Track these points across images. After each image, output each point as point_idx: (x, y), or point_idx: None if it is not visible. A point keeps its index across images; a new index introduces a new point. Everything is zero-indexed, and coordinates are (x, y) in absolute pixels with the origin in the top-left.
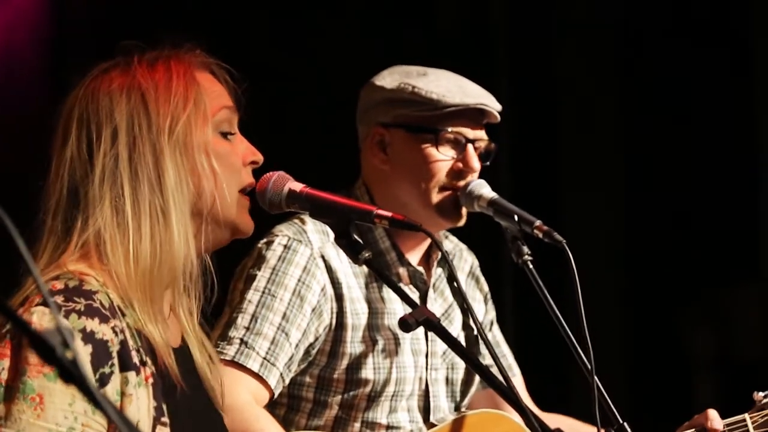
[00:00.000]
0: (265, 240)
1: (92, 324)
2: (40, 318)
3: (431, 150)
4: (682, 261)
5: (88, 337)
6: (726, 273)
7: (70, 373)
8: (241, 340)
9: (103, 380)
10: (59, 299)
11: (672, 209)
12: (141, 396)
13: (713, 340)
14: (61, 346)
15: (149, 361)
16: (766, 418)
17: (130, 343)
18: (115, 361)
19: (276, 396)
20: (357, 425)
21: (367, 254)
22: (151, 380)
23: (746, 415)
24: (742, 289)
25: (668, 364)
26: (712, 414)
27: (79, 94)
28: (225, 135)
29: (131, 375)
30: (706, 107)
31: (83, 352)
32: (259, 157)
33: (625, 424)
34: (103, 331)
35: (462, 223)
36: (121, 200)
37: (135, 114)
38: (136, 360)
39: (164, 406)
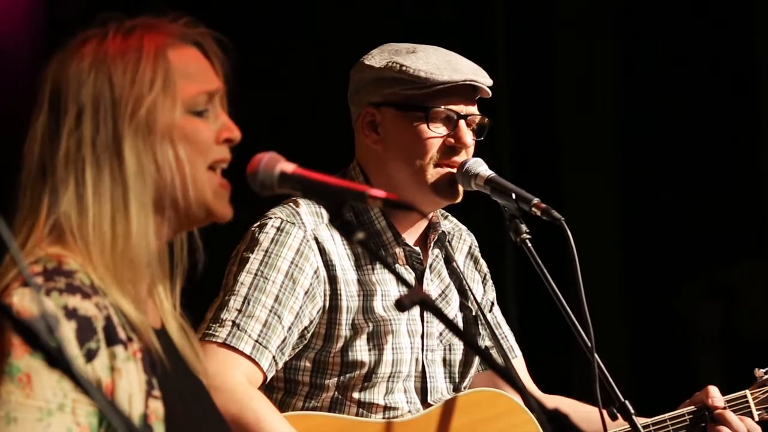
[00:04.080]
0: (258, 223)
1: (74, 300)
2: (21, 299)
3: (422, 127)
4: (685, 237)
5: (71, 313)
6: (730, 249)
7: (55, 359)
8: (233, 322)
9: (90, 355)
10: (38, 280)
11: (674, 185)
12: (131, 370)
13: (717, 316)
14: (45, 332)
15: (135, 338)
16: (767, 394)
17: (115, 319)
18: (101, 336)
19: (269, 379)
20: (354, 406)
21: (360, 235)
22: (139, 355)
23: (747, 392)
24: (746, 264)
25: (672, 341)
26: (713, 391)
27: (53, 68)
28: (199, 113)
29: (119, 349)
30: (708, 84)
31: (67, 329)
32: (236, 134)
33: (627, 402)
34: (86, 307)
35: (459, 199)
36: (83, 186)
37: (100, 96)
38: (122, 335)
39: (154, 380)
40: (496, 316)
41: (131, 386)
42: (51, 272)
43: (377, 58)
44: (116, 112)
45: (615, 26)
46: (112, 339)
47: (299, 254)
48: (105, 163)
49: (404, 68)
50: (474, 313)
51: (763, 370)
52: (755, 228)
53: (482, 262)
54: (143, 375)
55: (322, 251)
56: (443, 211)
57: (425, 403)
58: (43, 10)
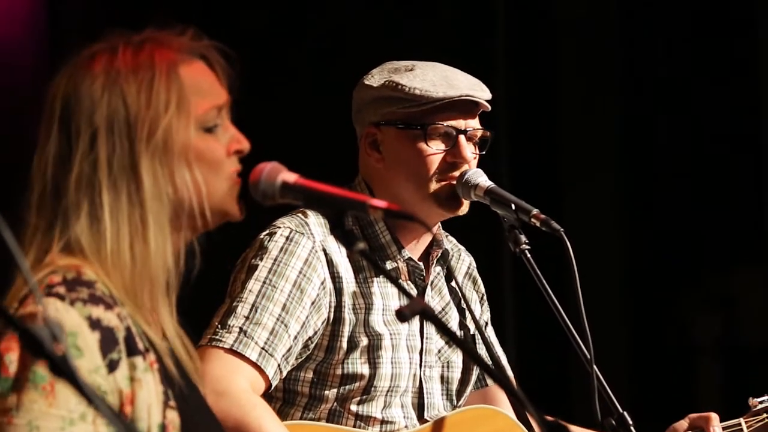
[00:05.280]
0: (267, 231)
1: (98, 311)
2: (45, 309)
3: (422, 145)
4: (684, 245)
5: (95, 324)
6: (729, 257)
7: (59, 368)
8: (240, 329)
9: (113, 365)
10: (61, 290)
11: (673, 193)
12: (149, 381)
13: (716, 326)
14: (50, 341)
15: (151, 349)
16: (761, 423)
17: (134, 329)
18: (122, 347)
19: (273, 387)
20: (351, 419)
21: (361, 245)
22: (156, 366)
23: (742, 420)
24: (745, 272)
25: (671, 350)
26: (715, 419)
27: (62, 84)
28: (210, 129)
29: (138, 360)
30: (708, 91)
31: (91, 339)
32: (245, 146)
33: (625, 413)
34: (109, 317)
35: (463, 211)
36: (100, 209)
37: (115, 117)
38: (140, 346)
39: (170, 391)
40: (490, 336)
41: (150, 396)
42: (72, 282)
43: (376, 77)
44: (132, 133)
45: (616, 34)
46: (132, 349)
47: (307, 264)
48: (122, 185)
49: (400, 87)
50: (472, 332)
51: (758, 400)
52: (754, 236)
53: (480, 282)
54: (160, 386)
55: (330, 263)
56: (444, 231)
57: (422, 419)
58: (46, 14)
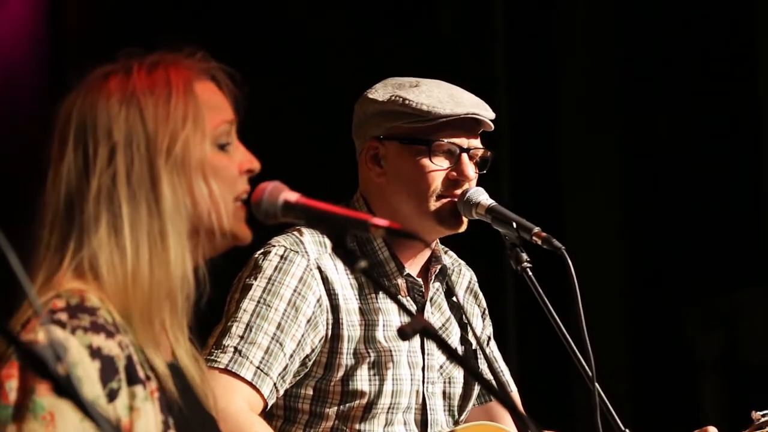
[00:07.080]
0: (261, 250)
1: (99, 340)
2: (46, 336)
3: (425, 161)
4: (685, 264)
5: (95, 353)
6: (730, 275)
7: (63, 388)
8: (235, 348)
9: (112, 395)
10: (63, 316)
11: (675, 211)
12: (148, 410)
13: (718, 344)
14: (53, 361)
15: (152, 376)
16: None
17: (135, 357)
18: (122, 376)
19: (269, 406)
20: None
21: (363, 263)
22: (156, 394)
23: None
24: (747, 291)
25: (673, 368)
26: None
27: (77, 102)
28: (223, 146)
29: (138, 389)
30: (709, 106)
31: (91, 368)
32: (256, 165)
33: (628, 431)
34: (110, 346)
35: (463, 228)
36: (119, 221)
37: (133, 133)
38: (141, 374)
39: (170, 420)
40: (493, 351)
41: (149, 426)
42: (75, 309)
43: (381, 92)
44: (151, 148)
45: (616, 44)
46: (132, 378)
47: (302, 282)
48: (141, 197)
49: (407, 102)
50: (474, 347)
51: (761, 413)
52: (756, 253)
53: (481, 296)
54: (160, 415)
55: (325, 280)
56: (443, 246)
57: None
58: (47, 35)
